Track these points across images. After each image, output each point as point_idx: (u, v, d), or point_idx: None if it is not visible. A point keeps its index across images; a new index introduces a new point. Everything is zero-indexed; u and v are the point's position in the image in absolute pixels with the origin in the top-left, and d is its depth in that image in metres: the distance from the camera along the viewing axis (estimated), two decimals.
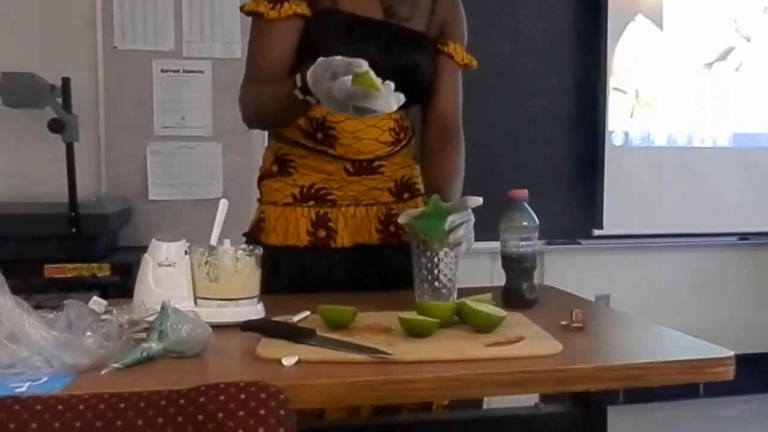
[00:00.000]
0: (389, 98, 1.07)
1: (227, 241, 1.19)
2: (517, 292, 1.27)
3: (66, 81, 2.52)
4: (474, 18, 1.49)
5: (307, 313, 1.17)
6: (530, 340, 1.00)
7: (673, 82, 3.32)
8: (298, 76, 1.18)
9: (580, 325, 1.09)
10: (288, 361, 0.91)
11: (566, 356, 0.95)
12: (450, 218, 1.16)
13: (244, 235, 1.47)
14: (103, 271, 2.40)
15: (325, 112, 1.34)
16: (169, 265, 1.13)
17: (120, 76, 2.92)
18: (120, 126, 2.94)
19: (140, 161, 2.97)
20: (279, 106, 1.29)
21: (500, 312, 1.05)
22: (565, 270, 3.10)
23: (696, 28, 3.34)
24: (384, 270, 1.43)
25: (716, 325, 3.44)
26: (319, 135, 1.36)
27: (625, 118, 3.29)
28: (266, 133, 1.55)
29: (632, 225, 3.28)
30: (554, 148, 3.22)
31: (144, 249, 1.18)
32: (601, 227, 3.22)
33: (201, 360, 0.94)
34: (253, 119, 1.41)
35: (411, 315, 1.05)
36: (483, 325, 1.04)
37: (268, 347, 0.97)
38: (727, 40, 3.39)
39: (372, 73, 1.07)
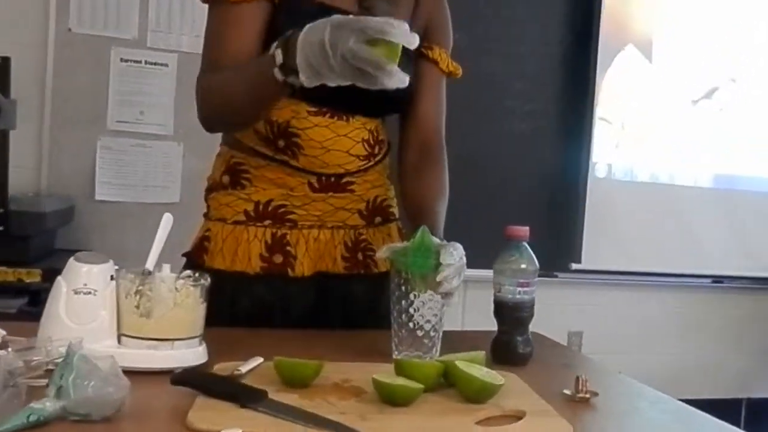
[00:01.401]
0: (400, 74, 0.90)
1: (166, 267, 0.98)
2: (510, 345, 1.08)
3: (5, 60, 2.27)
4: (463, 35, 1.36)
5: (260, 360, 0.96)
6: (533, 419, 0.80)
7: (660, 116, 3.21)
8: (278, 52, 0.96)
9: (587, 396, 0.90)
10: None
11: None
12: (445, 271, 0.96)
13: (185, 255, 1.26)
14: (32, 276, 2.14)
15: (289, 116, 1.16)
16: (89, 293, 0.90)
17: (72, 62, 2.68)
18: (68, 116, 2.69)
19: (88, 157, 2.75)
20: (248, 94, 1.08)
21: (496, 378, 0.85)
22: (539, 304, 2.93)
23: (685, 63, 3.24)
24: (349, 304, 1.24)
25: (687, 367, 3.34)
26: (281, 142, 1.18)
27: (610, 150, 3.15)
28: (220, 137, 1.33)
29: (610, 261, 3.14)
30: (536, 174, 3.07)
31: (83, 252, 0.97)
32: (579, 261, 3.07)
33: (111, 426, 0.72)
34: (213, 115, 1.18)
35: (388, 376, 0.84)
36: (476, 395, 0.84)
37: (204, 413, 0.75)
38: (713, 79, 3.30)
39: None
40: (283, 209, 1.20)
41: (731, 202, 3.29)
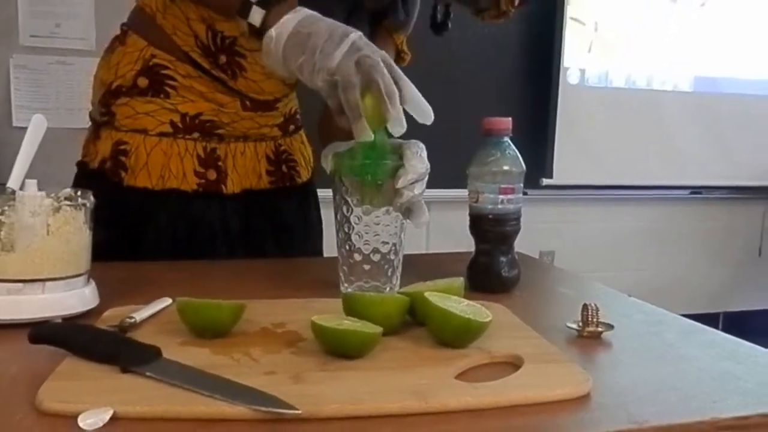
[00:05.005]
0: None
1: (31, 183, 0.73)
2: (492, 268, 0.86)
3: None
4: None
5: (167, 302, 0.73)
6: (535, 368, 0.59)
7: (637, 15, 2.95)
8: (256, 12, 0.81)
9: (600, 330, 0.69)
10: (91, 420, 0.47)
11: (602, 401, 0.54)
12: (408, 174, 0.74)
13: (85, 174, 1.05)
14: None
15: (237, 32, 0.99)
16: None
17: None
18: None
19: (1, 78, 2.44)
20: None
21: (481, 313, 0.63)
22: None
23: None
24: (278, 219, 1.14)
25: (662, 283, 3.21)
26: (222, 58, 1.02)
27: (583, 54, 2.91)
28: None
29: (583, 174, 2.95)
30: (502, 83, 2.82)
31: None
32: (550, 176, 2.87)
33: None
34: None
35: (333, 317, 0.61)
36: (455, 336, 0.62)
37: (63, 385, 0.52)
38: None
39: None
40: (210, 123, 1.05)
41: (711, 107, 3.09)
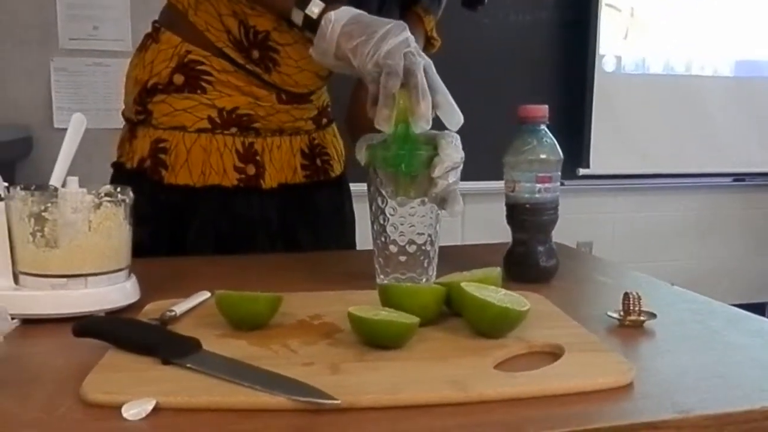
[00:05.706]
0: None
1: (73, 180, 0.75)
2: (530, 258, 0.85)
3: None
4: None
5: (205, 296, 0.74)
6: (575, 357, 0.58)
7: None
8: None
9: (642, 318, 0.68)
10: (135, 411, 0.48)
11: (645, 390, 0.53)
12: (445, 163, 0.75)
13: (122, 174, 1.06)
14: None
15: (270, 26, 1.01)
16: None
17: None
18: (16, 36, 2.41)
19: (42, 80, 2.51)
20: None
21: (519, 302, 0.63)
22: None
23: None
24: (313, 213, 1.15)
25: (705, 273, 3.14)
26: (255, 53, 1.03)
27: (619, 41, 2.85)
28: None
29: (621, 164, 2.89)
30: (536, 71, 2.78)
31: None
32: (587, 166, 2.82)
33: None
34: None
35: (369, 308, 0.61)
36: (492, 326, 0.62)
37: (106, 377, 0.53)
38: None
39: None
40: (247, 118, 1.05)
41: (753, 91, 3.01)
